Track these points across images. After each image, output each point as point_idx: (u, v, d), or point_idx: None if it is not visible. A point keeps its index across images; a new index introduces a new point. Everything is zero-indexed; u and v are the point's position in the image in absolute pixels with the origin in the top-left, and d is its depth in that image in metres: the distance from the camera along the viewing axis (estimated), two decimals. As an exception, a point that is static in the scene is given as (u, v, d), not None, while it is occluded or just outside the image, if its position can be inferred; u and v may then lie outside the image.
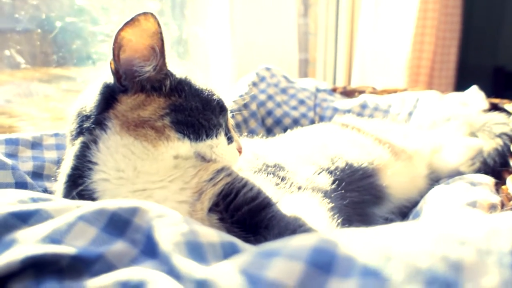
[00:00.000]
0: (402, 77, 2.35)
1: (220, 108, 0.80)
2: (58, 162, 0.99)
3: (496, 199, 0.87)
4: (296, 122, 1.52)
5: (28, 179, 0.87)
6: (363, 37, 2.44)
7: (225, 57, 1.98)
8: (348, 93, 1.75)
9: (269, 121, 1.53)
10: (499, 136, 1.07)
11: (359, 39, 2.46)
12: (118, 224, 0.48)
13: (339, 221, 0.73)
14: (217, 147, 0.77)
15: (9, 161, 0.86)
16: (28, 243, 0.45)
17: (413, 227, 0.43)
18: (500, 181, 0.99)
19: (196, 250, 0.44)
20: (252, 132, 1.43)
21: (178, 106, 0.73)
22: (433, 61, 2.33)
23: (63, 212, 0.53)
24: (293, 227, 0.65)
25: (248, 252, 0.45)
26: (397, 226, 0.44)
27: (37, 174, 0.94)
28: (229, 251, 0.47)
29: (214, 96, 0.80)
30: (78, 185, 0.69)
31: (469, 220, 0.42)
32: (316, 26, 2.69)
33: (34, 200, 0.57)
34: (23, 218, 0.51)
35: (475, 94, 1.48)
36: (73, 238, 0.47)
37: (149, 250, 0.46)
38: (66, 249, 0.44)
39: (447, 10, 2.34)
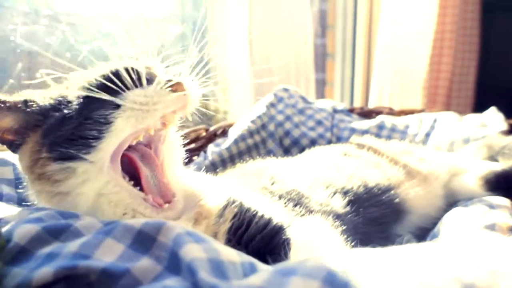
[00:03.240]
0: (420, 98, 2.35)
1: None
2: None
3: (516, 222, 0.86)
4: (313, 143, 1.54)
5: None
6: (380, 57, 2.46)
7: (244, 78, 2.02)
8: (365, 114, 1.76)
9: (286, 141, 1.55)
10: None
11: (377, 60, 2.48)
12: (144, 241, 0.51)
13: (354, 242, 0.74)
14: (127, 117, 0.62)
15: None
16: (61, 257, 0.48)
17: (428, 248, 0.45)
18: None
19: (217, 268, 0.46)
20: (270, 153, 1.45)
21: (52, 126, 0.65)
22: (451, 81, 2.33)
23: (91, 228, 0.56)
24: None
25: (266, 271, 0.46)
26: (412, 247, 0.45)
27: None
28: (248, 271, 0.49)
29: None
30: None
31: (484, 243, 0.43)
32: (333, 47, 2.73)
33: (64, 217, 0.61)
34: (55, 234, 0.55)
35: (494, 116, 1.48)
36: (102, 253, 0.50)
37: (173, 266, 0.48)
38: (96, 263, 0.47)
39: (465, 31, 2.35)
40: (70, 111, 0.63)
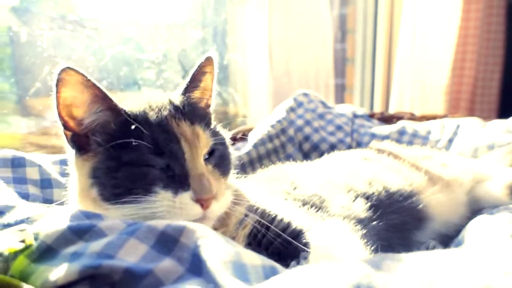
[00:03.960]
0: (442, 103, 2.31)
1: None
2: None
3: (544, 231, 0.83)
4: (333, 148, 1.52)
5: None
6: (401, 62, 2.43)
7: (263, 83, 2.03)
8: (386, 119, 1.74)
9: (306, 146, 1.54)
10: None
11: (397, 65, 2.45)
12: (167, 242, 0.51)
13: (374, 246, 0.73)
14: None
15: (63, 180, 0.92)
16: (85, 257, 0.49)
17: (455, 256, 0.43)
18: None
19: (240, 270, 0.46)
20: (289, 157, 1.45)
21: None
22: (475, 86, 2.28)
23: (114, 229, 0.57)
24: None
25: (289, 274, 0.46)
26: (439, 254, 0.44)
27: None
28: (270, 274, 0.49)
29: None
30: None
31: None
32: (353, 52, 2.71)
33: (88, 217, 0.62)
34: (79, 233, 0.55)
35: (520, 121, 1.44)
36: (125, 253, 0.50)
37: (195, 268, 0.48)
38: (119, 263, 0.48)
39: (489, 35, 2.30)
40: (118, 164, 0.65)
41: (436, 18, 2.32)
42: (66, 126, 0.69)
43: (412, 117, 1.73)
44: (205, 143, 0.70)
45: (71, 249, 0.52)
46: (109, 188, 0.65)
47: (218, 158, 0.73)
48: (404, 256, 0.43)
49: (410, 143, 1.49)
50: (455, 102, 2.29)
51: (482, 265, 0.40)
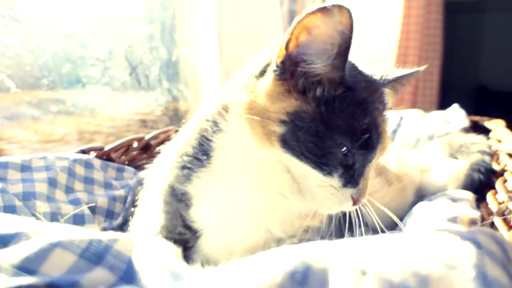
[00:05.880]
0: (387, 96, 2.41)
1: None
2: (50, 183, 0.98)
3: (476, 214, 0.89)
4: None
5: (17, 203, 0.87)
6: (349, 57, 2.50)
7: (214, 78, 2.01)
8: (334, 113, 1.79)
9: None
10: (476, 153, 1.11)
11: (345, 60, 2.52)
12: (97, 250, 0.48)
13: None
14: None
15: (0, 185, 0.87)
16: (3, 272, 0.45)
17: (387, 241, 0.45)
18: (481, 196, 1.02)
19: (176, 276, 0.45)
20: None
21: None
22: (417, 80, 2.40)
23: (42, 236, 0.51)
24: None
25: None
26: (375, 240, 0.46)
27: (28, 194, 0.93)
28: None
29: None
30: None
31: (438, 236, 0.44)
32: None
33: (16, 223, 0.57)
34: (4, 241, 0.50)
35: (456, 112, 1.53)
36: (49, 267, 0.46)
37: (128, 276, 0.46)
38: (41, 279, 0.44)
39: (428, 31, 2.42)
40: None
41: (381, 14, 2.41)
42: (287, 44, 0.62)
43: (359, 110, 1.79)
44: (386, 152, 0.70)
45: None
46: (300, 143, 0.60)
47: None
48: (339, 243, 0.44)
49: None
50: (399, 95, 2.40)
51: (411, 251, 0.43)
